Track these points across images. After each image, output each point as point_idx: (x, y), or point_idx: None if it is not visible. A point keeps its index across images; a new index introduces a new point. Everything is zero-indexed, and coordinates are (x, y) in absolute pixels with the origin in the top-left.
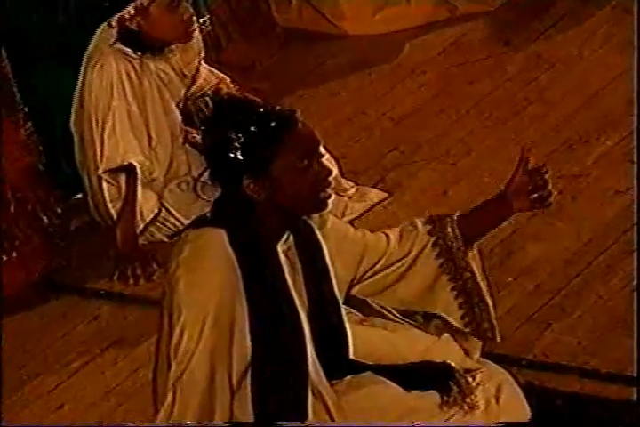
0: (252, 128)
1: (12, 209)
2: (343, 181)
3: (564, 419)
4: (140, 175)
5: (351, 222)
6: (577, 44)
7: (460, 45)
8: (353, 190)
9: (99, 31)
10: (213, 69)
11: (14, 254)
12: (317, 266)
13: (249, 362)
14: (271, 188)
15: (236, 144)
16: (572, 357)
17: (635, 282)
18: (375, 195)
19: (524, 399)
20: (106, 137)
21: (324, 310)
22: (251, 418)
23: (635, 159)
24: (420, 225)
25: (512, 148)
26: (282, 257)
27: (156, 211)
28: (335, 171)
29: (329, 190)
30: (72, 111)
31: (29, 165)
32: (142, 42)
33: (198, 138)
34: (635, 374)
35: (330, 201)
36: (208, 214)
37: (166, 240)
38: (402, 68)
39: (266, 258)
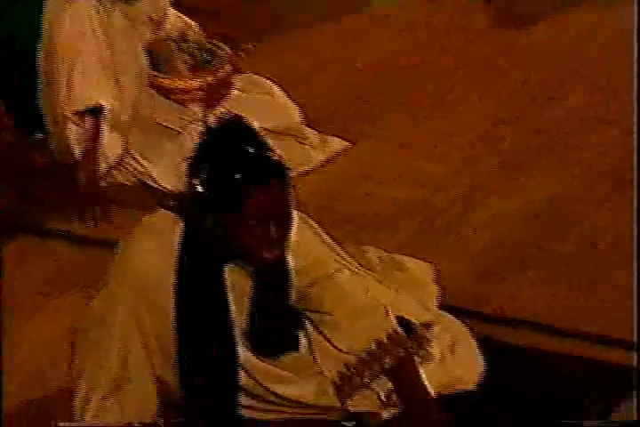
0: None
1: None
2: (307, 129)
3: (517, 372)
4: (108, 117)
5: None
6: None
7: None
8: (316, 139)
9: None
10: (181, 14)
11: None
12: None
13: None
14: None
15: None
16: (530, 312)
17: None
18: (338, 144)
19: (479, 352)
20: (75, 78)
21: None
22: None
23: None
24: None
25: (480, 101)
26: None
27: (120, 153)
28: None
29: (273, 253)
30: (39, 48)
31: None
32: None
33: (163, 82)
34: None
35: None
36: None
37: (127, 183)
38: (371, 18)
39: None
